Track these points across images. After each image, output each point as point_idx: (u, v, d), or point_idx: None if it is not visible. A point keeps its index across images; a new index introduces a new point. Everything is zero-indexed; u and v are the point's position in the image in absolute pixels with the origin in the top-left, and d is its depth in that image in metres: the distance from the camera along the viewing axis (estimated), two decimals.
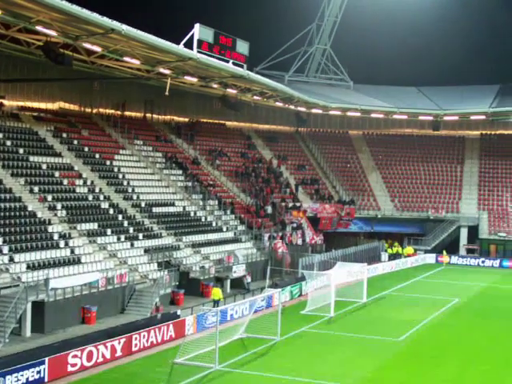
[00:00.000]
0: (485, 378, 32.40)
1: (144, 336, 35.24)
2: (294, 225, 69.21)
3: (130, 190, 57.54)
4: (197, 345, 33.95)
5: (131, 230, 51.78)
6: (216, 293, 45.73)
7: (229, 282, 52.95)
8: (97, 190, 54.05)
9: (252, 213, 67.54)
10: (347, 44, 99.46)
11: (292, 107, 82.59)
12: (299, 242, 67.70)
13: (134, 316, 41.93)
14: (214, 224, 61.27)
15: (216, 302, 44.79)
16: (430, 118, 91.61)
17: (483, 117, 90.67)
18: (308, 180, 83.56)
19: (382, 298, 53.52)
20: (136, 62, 53.70)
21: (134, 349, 34.38)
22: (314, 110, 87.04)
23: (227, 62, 56.41)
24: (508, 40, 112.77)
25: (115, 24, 43.25)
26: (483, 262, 77.53)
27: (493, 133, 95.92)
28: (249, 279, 54.10)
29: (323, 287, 50.25)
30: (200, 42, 52.63)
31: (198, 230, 58.24)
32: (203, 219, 60.97)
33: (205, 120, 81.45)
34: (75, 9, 39.94)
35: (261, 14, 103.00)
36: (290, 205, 73.49)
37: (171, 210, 58.91)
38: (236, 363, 33.26)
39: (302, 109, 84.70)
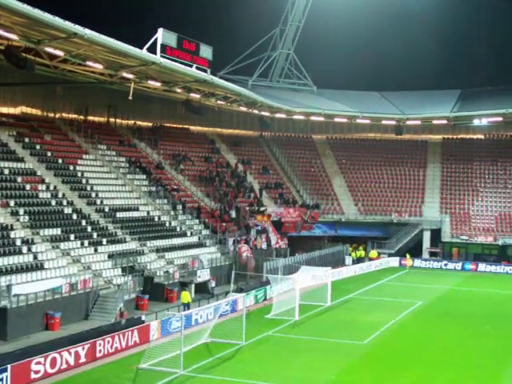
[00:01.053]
0: (449, 380, 32.63)
1: (108, 342, 34.98)
2: (259, 227, 69.25)
3: (93, 194, 57.20)
4: (161, 350, 33.82)
5: (95, 235, 51.46)
6: (185, 296, 45.86)
7: (193, 286, 52.74)
8: (60, 195, 53.65)
9: (216, 217, 67.49)
10: (310, 49, 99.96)
11: (256, 112, 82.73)
12: (264, 246, 67.78)
13: (98, 322, 41.64)
14: (178, 229, 61.10)
15: (185, 306, 44.92)
16: (393, 122, 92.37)
17: (445, 121, 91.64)
18: (272, 184, 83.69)
19: (346, 302, 53.75)
20: (99, 67, 53.47)
21: (98, 355, 34.11)
22: (277, 115, 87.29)
23: (191, 66, 56.39)
24: (469, 46, 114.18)
25: (78, 28, 43.05)
26: (446, 264, 78.31)
27: (454, 137, 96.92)
28: (213, 284, 54.04)
29: (288, 291, 50.35)
30: (163, 46, 52.57)
31: (162, 235, 58.02)
32: (167, 224, 60.78)
33: (169, 125, 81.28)
34: (37, 12, 39.67)
35: (224, 19, 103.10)
36: (255, 209, 73.52)
37: (135, 214, 58.66)
38: (201, 368, 33.17)
39: (266, 113, 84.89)
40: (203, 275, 53.73)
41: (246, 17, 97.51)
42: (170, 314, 40.32)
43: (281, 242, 71.02)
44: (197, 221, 64.45)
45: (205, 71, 58.27)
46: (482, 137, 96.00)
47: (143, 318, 40.35)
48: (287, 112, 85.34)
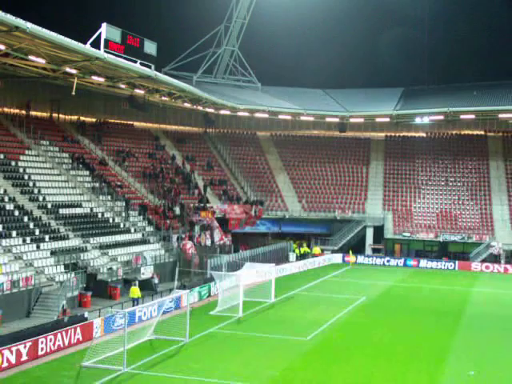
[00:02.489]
0: (392, 375, 32.97)
1: (51, 339, 34.62)
2: (204, 222, 69.18)
3: (35, 191, 56.51)
4: (105, 347, 33.63)
5: (37, 231, 50.86)
6: (134, 291, 46.00)
7: (137, 283, 52.47)
8: (1, 191, 52.87)
9: (160, 214, 67.24)
10: (255, 46, 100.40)
11: (200, 108, 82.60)
12: (208, 242, 67.75)
13: (41, 319, 41.20)
14: (121, 225, 60.74)
15: (135, 300, 45.02)
16: (337, 119, 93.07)
17: (388, 119, 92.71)
18: (216, 181, 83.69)
19: (289, 298, 54.03)
20: (42, 61, 52.85)
21: (40, 353, 33.74)
22: (222, 111, 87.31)
23: (135, 62, 56.11)
24: (411, 44, 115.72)
25: (19, 22, 42.50)
26: (388, 261, 79.32)
27: (397, 135, 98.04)
28: (157, 280, 53.84)
29: (232, 288, 50.42)
30: (107, 41, 52.28)
31: (105, 232, 57.64)
32: (111, 220, 60.36)
33: (112, 120, 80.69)
34: None
35: (169, 15, 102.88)
36: (199, 205, 73.40)
37: (78, 211, 58.14)
38: (145, 365, 33.06)
39: (211, 110, 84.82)
40: (147, 272, 53.56)
41: (190, 13, 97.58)
42: (114, 311, 40.12)
43: (225, 239, 71.07)
44: (141, 217, 64.16)
45: (149, 67, 58.07)
46: (423, 135, 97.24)
47: (86, 315, 40.02)
48: (231, 109, 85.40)
